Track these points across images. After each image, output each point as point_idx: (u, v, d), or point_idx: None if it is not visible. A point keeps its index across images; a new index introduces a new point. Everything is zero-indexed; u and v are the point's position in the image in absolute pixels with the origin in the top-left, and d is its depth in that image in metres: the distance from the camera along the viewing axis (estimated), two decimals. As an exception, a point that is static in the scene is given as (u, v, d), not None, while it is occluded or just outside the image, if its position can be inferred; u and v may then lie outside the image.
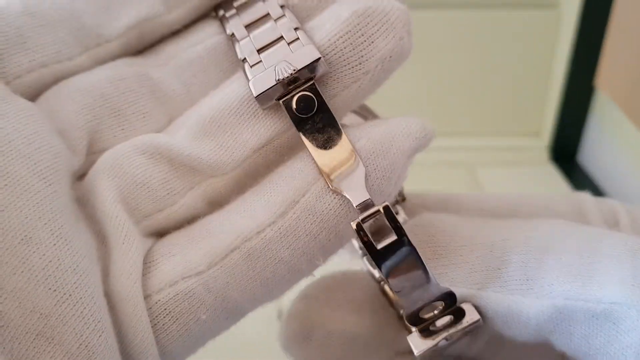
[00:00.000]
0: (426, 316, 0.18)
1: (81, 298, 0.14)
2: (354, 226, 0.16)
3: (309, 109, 0.17)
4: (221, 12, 0.19)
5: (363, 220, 0.16)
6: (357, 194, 0.16)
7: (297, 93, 0.17)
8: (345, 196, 0.16)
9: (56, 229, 0.15)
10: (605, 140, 0.58)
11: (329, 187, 0.16)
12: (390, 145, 0.17)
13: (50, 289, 0.14)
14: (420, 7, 0.55)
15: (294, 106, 0.17)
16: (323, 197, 0.16)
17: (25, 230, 0.14)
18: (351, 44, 0.17)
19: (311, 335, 0.20)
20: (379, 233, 0.16)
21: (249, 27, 0.19)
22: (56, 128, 0.17)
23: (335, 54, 0.17)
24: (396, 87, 0.61)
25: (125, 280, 0.15)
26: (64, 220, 0.15)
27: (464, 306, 0.18)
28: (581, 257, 0.17)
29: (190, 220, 0.17)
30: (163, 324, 0.16)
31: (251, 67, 0.18)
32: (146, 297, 0.16)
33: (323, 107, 0.17)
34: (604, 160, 0.59)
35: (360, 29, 0.17)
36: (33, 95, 0.18)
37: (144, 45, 0.20)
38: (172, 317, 0.16)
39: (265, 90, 0.17)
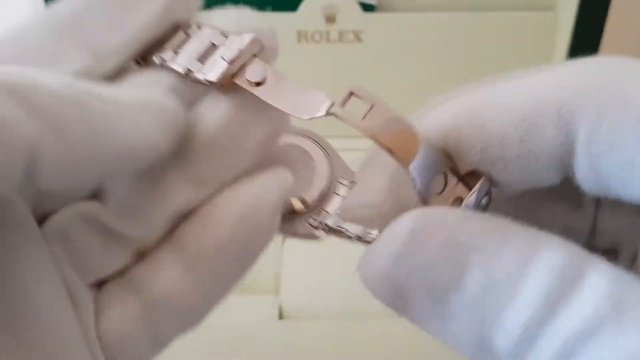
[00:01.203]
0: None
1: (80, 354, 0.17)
2: None
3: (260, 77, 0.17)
4: (158, 60, 0.18)
5: None
6: None
7: (248, 64, 0.17)
8: None
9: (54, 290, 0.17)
10: (603, 141, 0.59)
11: None
12: (259, 209, 0.18)
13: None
14: (417, 10, 0.55)
15: (248, 75, 0.17)
16: None
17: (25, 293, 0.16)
18: None
19: None
20: None
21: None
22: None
23: None
24: (394, 89, 0.61)
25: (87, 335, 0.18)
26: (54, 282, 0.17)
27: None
28: None
29: (123, 270, 0.19)
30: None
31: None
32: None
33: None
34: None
35: None
36: None
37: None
38: (117, 354, 0.18)
39: (223, 74, 0.17)
